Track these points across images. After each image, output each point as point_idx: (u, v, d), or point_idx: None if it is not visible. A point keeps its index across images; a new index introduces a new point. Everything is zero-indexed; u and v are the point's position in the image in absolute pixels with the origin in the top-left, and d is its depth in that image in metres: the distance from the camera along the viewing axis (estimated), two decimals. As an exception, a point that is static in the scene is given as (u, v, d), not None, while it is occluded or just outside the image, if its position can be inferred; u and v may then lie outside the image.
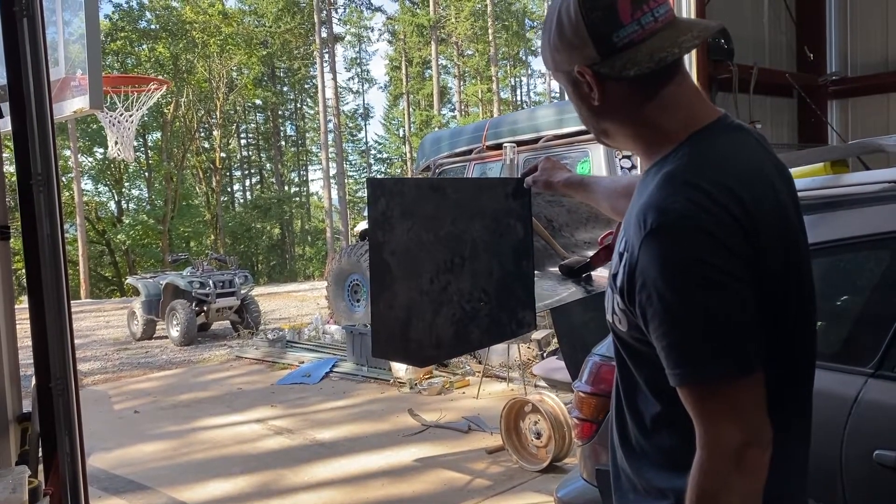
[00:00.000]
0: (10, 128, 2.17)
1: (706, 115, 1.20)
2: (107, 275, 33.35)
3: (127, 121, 8.32)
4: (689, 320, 1.06)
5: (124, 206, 34.92)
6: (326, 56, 34.60)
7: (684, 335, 1.07)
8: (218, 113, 35.78)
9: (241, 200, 44.62)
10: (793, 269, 1.16)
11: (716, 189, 1.08)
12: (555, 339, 6.99)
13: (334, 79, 35.23)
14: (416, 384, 7.33)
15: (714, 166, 1.12)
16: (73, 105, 3.36)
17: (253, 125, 44.95)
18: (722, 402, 1.05)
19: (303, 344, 10.14)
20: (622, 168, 7.29)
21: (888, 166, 2.68)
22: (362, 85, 48.17)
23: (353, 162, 47.62)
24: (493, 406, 6.26)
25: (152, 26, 32.87)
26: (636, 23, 1.13)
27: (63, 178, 26.20)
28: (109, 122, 8.22)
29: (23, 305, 2.86)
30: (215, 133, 36.87)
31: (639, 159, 1.29)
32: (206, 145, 37.73)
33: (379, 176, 41.90)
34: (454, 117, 41.08)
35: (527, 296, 1.96)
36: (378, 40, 63.01)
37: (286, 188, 44.03)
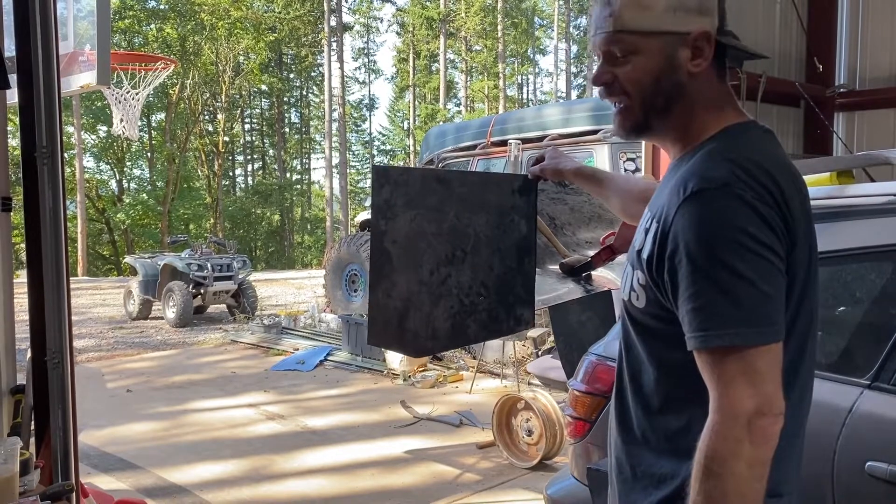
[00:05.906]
0: (16, 99, 2.16)
1: (740, 115, 1.26)
2: (105, 253, 33.34)
3: (133, 99, 8.28)
4: (719, 284, 1.07)
5: (125, 185, 34.89)
6: (334, 45, 34.52)
7: (711, 298, 1.08)
8: (223, 96, 35.70)
9: (242, 185, 44.58)
10: (813, 268, 1.19)
11: (756, 169, 1.12)
12: (550, 338, 6.99)
13: (341, 68, 35.16)
14: (409, 376, 7.34)
15: (753, 151, 1.17)
16: (80, 80, 3.36)
17: (257, 110, 44.85)
18: (740, 367, 1.06)
19: (298, 331, 10.13)
20: (626, 170, 7.27)
21: (893, 179, 2.68)
22: (369, 75, 48.06)
23: (356, 152, 47.53)
24: (485, 402, 6.27)
25: (161, 6, 32.80)
26: None
27: (65, 155, 26.11)
28: (115, 99, 8.19)
29: (20, 279, 2.85)
30: (219, 117, 36.81)
31: (669, 150, 1.31)
32: (210, 128, 37.67)
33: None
34: (459, 112, 41.02)
35: (526, 293, 1.95)
36: (386, 31, 62.72)
37: (288, 175, 43.96)
